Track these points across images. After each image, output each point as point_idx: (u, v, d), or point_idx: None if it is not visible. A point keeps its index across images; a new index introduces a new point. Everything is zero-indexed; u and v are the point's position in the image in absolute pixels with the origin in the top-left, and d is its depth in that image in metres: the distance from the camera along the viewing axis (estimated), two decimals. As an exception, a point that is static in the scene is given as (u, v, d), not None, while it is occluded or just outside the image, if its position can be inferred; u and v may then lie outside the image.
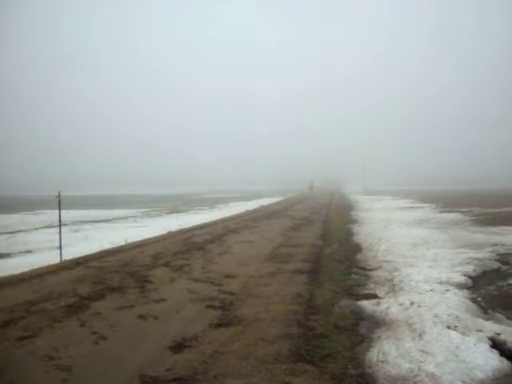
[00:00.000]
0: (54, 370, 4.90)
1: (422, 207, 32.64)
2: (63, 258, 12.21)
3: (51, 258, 12.29)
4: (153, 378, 4.65)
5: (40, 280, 9.34)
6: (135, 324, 6.44)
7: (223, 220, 23.94)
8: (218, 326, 6.30)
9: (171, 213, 36.63)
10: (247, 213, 29.40)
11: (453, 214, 25.00)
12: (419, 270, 10.25)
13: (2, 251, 17.29)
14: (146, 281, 9.06)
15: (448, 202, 35.14)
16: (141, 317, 6.72)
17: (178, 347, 5.50)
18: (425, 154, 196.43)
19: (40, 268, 10.74)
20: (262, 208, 33.69)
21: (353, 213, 28.45)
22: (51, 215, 29.64)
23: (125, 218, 33.03)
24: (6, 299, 7.77)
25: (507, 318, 6.97)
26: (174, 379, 4.59)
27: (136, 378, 4.66)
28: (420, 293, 8.21)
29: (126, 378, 4.66)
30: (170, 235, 17.58)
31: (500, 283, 9.57)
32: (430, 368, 5.01)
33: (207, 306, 7.25)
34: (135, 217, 33.65)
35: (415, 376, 4.87)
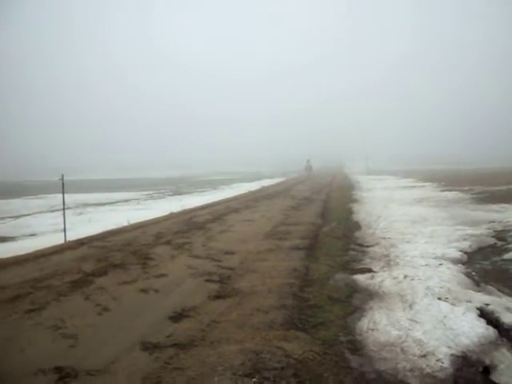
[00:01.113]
0: (62, 337, 5.20)
1: (423, 186, 32.65)
2: (67, 239, 12.46)
3: (55, 241, 12.51)
4: (153, 344, 4.94)
5: (45, 259, 9.60)
6: (137, 297, 6.72)
7: (225, 201, 24.11)
8: (216, 297, 6.57)
9: (174, 195, 36.80)
10: (249, 193, 29.57)
11: (453, 193, 25.05)
12: (416, 246, 10.43)
13: (7, 235, 17.53)
14: (148, 258, 9.32)
15: (449, 180, 35.12)
16: (142, 290, 7.00)
17: (178, 317, 5.79)
18: (427, 134, 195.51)
19: (45, 249, 10.97)
20: (264, 189, 33.84)
21: (354, 192, 28.54)
22: (54, 199, 29.82)
23: (128, 200, 33.21)
24: (13, 277, 8.03)
25: (498, 290, 7.16)
26: (173, 345, 4.88)
27: (137, 344, 4.95)
28: (414, 267, 8.42)
29: (128, 344, 4.95)
30: (171, 216, 17.80)
31: (495, 258, 9.73)
32: (418, 335, 5.26)
33: (206, 280, 7.52)
34: (138, 199, 33.83)
35: (402, 342, 5.13)
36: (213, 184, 52.72)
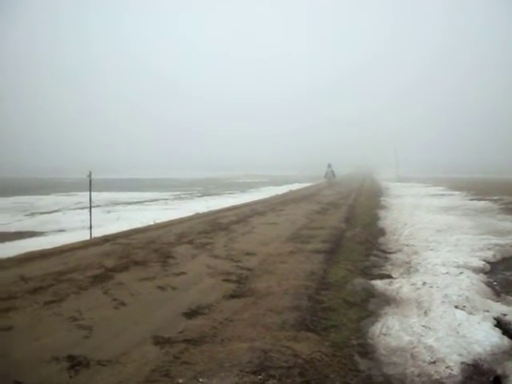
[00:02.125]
0: (77, 328, 5.35)
1: (452, 194, 32.30)
2: (93, 236, 12.69)
3: (82, 237, 12.76)
4: (165, 338, 5.03)
5: (70, 254, 9.83)
6: (154, 293, 6.84)
7: (252, 203, 24.24)
8: (232, 297, 6.64)
9: (202, 196, 37.09)
10: (276, 197, 29.64)
11: (482, 202, 24.72)
12: (438, 253, 10.36)
13: (37, 230, 17.92)
14: (169, 256, 9.45)
15: (480, 189, 34.66)
16: (160, 287, 7.11)
17: (192, 314, 5.87)
18: (458, 142, 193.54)
19: (70, 244, 11.23)
20: (291, 192, 33.90)
21: (382, 198, 28.40)
22: (84, 197, 30.04)
23: (156, 200, 33.56)
24: (37, 270, 8.28)
25: (518, 301, 7.10)
26: (184, 340, 4.96)
27: (149, 338, 5.06)
28: (435, 275, 8.38)
29: (140, 338, 5.06)
30: (197, 216, 17.98)
31: (518, 269, 9.62)
32: (430, 341, 5.25)
33: (224, 280, 7.60)
34: (166, 199, 34.15)
35: (413, 348, 5.13)
36: (242, 186, 52.94)
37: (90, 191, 13.56)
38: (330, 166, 45.64)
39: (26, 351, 4.71)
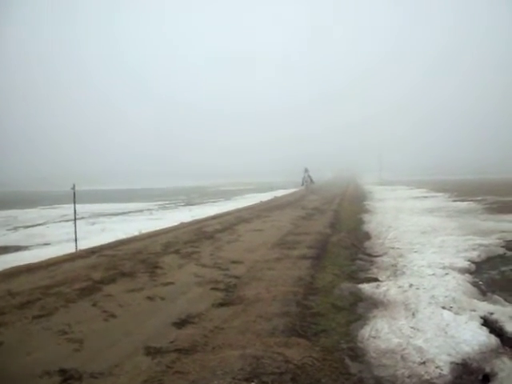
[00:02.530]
0: (67, 342, 5.34)
1: (435, 196, 32.61)
2: (79, 248, 12.64)
3: (68, 250, 12.71)
4: (156, 348, 5.05)
5: (56, 267, 9.77)
6: (143, 304, 6.84)
7: (236, 211, 24.24)
8: (221, 305, 6.66)
9: (186, 205, 37.05)
10: (261, 204, 29.72)
11: (466, 203, 25.01)
12: (424, 255, 10.46)
13: (21, 244, 17.81)
14: (156, 267, 9.43)
15: (462, 191, 35.06)
16: (149, 298, 7.11)
17: (182, 323, 5.89)
18: (441, 145, 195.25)
19: (56, 257, 11.17)
20: (276, 199, 33.99)
21: (365, 202, 28.59)
22: (69, 209, 30.00)
23: (140, 210, 33.47)
24: (24, 284, 8.23)
25: (504, 299, 7.15)
26: (176, 350, 4.98)
27: (141, 348, 5.07)
28: (421, 276, 8.47)
29: (132, 349, 5.07)
30: (182, 226, 17.96)
31: (503, 268, 9.71)
32: (419, 342, 5.32)
33: (212, 288, 7.61)
34: (151, 209, 34.07)
35: (403, 349, 5.19)
36: (226, 194, 52.98)
37: (75, 204, 13.52)
38: (306, 170, 41.73)
39: (17, 366, 4.69)
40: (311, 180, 42.58)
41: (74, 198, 13.38)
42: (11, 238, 17.99)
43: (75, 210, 13.74)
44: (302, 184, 42.45)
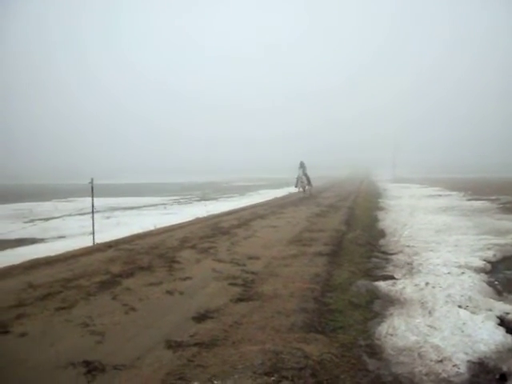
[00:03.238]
0: (90, 334, 5.45)
1: (449, 195, 32.41)
2: (95, 242, 12.75)
3: (84, 243, 12.82)
4: (177, 342, 5.13)
5: (75, 260, 9.89)
6: (162, 298, 6.93)
7: (251, 207, 24.25)
8: (239, 300, 6.74)
9: (200, 200, 37.09)
10: (275, 200, 29.72)
11: (480, 202, 24.85)
12: (439, 254, 10.46)
13: (37, 236, 17.98)
14: (174, 261, 9.53)
15: (476, 190, 34.78)
16: (168, 292, 7.21)
17: (201, 318, 5.97)
18: (454, 142, 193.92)
19: (74, 250, 11.31)
20: (290, 195, 33.94)
21: (380, 200, 28.51)
22: (83, 202, 30.31)
23: (155, 205, 33.59)
24: (44, 276, 8.36)
25: (521, 300, 7.19)
26: (196, 344, 5.06)
27: (162, 342, 5.16)
28: (437, 275, 8.48)
29: (153, 342, 5.15)
30: (197, 221, 18.04)
31: (518, 268, 9.71)
32: (435, 341, 5.36)
33: (230, 284, 7.69)
34: (165, 204, 34.19)
35: (420, 347, 5.23)
36: (241, 190, 52.90)
37: (93, 198, 13.63)
38: (302, 165, 31.58)
39: (42, 357, 4.79)
40: (308, 180, 32.27)
41: (92, 192, 13.50)
42: (27, 231, 18.08)
43: (93, 204, 13.85)
44: (296, 185, 32.33)
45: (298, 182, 32.26)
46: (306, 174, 31.88)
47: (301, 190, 32.30)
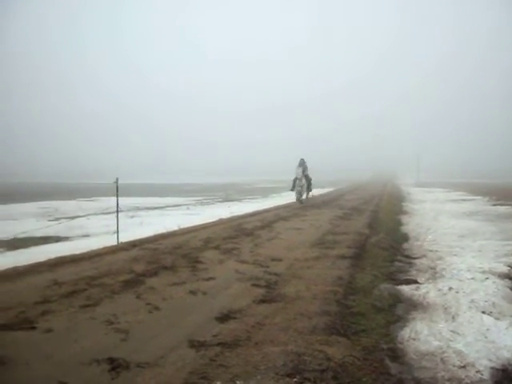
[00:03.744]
0: (114, 332, 5.52)
1: (473, 200, 32.14)
2: (120, 241, 12.88)
3: (108, 242, 12.97)
4: (200, 342, 5.17)
5: (99, 259, 10.03)
6: (186, 298, 6.99)
7: (274, 208, 24.31)
8: (262, 301, 6.76)
9: (223, 201, 37.26)
10: (297, 202, 29.69)
11: (504, 207, 24.53)
12: (463, 259, 10.36)
13: (62, 235, 18.22)
14: (197, 261, 9.61)
15: (501, 194, 34.35)
16: (191, 292, 7.26)
17: (224, 318, 6.01)
18: (479, 147, 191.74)
19: (99, 249, 11.45)
20: (313, 198, 33.93)
21: (404, 204, 28.37)
22: (107, 202, 30.65)
23: (178, 205, 33.82)
24: (70, 274, 8.50)
25: (546, 308, 7.10)
26: (219, 344, 5.10)
27: (185, 341, 5.20)
28: (460, 280, 8.41)
29: (176, 341, 5.20)
30: (221, 222, 18.13)
31: (545, 274, 9.59)
32: (459, 346, 5.32)
33: (253, 285, 7.73)
34: (188, 205, 34.40)
35: (443, 352, 5.20)
36: (263, 192, 53.01)
37: (117, 197, 13.77)
38: (302, 163, 26.54)
39: (67, 353, 4.87)
40: (309, 184, 27.55)
41: (117, 192, 13.64)
42: (52, 229, 18.31)
43: (118, 204, 13.99)
44: (293, 189, 26.89)
45: (295, 184, 26.56)
46: (306, 176, 26.90)
47: (299, 196, 26.68)
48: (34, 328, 5.66)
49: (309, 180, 27.43)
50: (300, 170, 26.22)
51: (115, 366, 4.54)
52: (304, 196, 27.56)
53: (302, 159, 26.74)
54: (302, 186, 26.46)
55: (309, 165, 26.94)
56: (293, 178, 26.86)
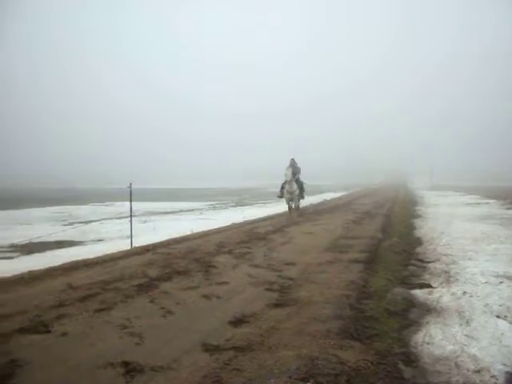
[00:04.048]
0: (128, 335, 5.56)
1: (487, 203, 31.94)
2: (133, 246, 12.97)
3: (121, 246, 13.07)
4: (214, 345, 5.19)
5: (113, 263, 10.12)
6: (199, 302, 7.01)
7: (287, 213, 24.34)
8: (276, 306, 6.77)
9: (236, 206, 37.33)
10: (311, 206, 29.70)
11: (519, 211, 24.49)
12: (477, 263, 10.32)
13: (76, 239, 18.37)
14: (210, 266, 9.64)
15: (517, 198, 34.23)
16: (204, 296, 7.29)
17: (238, 322, 6.03)
18: (492, 150, 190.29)
19: (112, 253, 11.58)
20: (325, 202, 33.92)
21: (417, 208, 28.29)
22: (120, 206, 30.90)
23: (191, 210, 33.98)
24: (83, 278, 8.58)
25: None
26: (232, 347, 5.12)
27: (199, 345, 5.22)
28: (474, 284, 8.38)
29: (190, 345, 5.23)
30: (233, 226, 18.20)
31: (560, 280, 9.53)
32: (473, 351, 5.30)
33: (266, 289, 7.74)
34: (201, 209, 34.55)
35: (457, 357, 5.18)
36: (275, 196, 52.97)
37: (131, 202, 13.87)
38: (292, 165, 22.28)
39: (82, 356, 4.92)
40: (301, 190, 22.88)
41: (131, 197, 13.74)
42: (66, 234, 18.50)
43: (131, 208, 14.09)
44: (281, 195, 23.21)
45: (283, 190, 22.57)
46: (297, 180, 22.61)
47: (286, 201, 22.82)
48: (49, 331, 5.72)
49: (300, 184, 22.85)
50: (289, 171, 21.80)
51: (130, 369, 4.58)
52: (300, 203, 24.05)
53: (293, 159, 22.85)
54: (292, 193, 22.20)
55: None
56: (281, 182, 22.87)
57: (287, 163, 22.43)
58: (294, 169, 22.16)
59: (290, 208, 22.66)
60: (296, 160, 22.90)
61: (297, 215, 22.26)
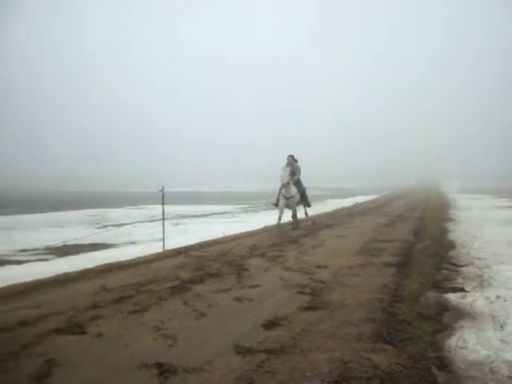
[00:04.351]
0: (162, 337, 5.62)
1: (521, 207, 31.57)
2: (165, 248, 13.10)
3: (153, 249, 13.21)
4: (246, 348, 5.22)
5: (145, 266, 10.22)
6: (232, 305, 7.06)
7: (318, 216, 24.25)
8: (308, 309, 6.77)
9: (268, 209, 37.36)
10: (343, 209, 29.64)
11: (554, 215, 24.10)
12: (510, 267, 10.19)
13: (109, 242, 18.65)
14: (242, 269, 9.68)
15: (552, 201, 33.71)
16: (237, 299, 7.33)
17: (270, 325, 6.05)
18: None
19: (145, 256, 11.69)
20: (357, 205, 33.78)
21: (450, 211, 28.00)
22: (152, 210, 31.22)
23: (223, 213, 34.15)
24: (117, 281, 8.69)
25: None
26: (265, 350, 5.13)
27: (231, 347, 5.26)
28: (508, 288, 8.27)
29: (223, 347, 5.26)
30: (266, 229, 18.20)
31: None
32: (508, 356, 5.24)
33: (298, 292, 7.74)
34: (232, 212, 34.72)
35: (492, 362, 5.13)
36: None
37: (163, 205, 14.02)
38: (290, 163, 17.85)
39: (117, 357, 4.99)
40: (303, 194, 18.66)
41: (163, 200, 13.89)
42: (100, 236, 18.75)
43: (163, 211, 14.24)
44: (277, 202, 18.05)
45: (280, 195, 17.70)
46: (297, 182, 18.08)
47: (279, 211, 17.87)
48: (84, 332, 5.82)
49: (302, 189, 18.42)
50: (287, 172, 17.15)
51: (163, 370, 4.63)
52: (304, 211, 19.73)
53: (291, 156, 18.08)
54: (288, 198, 17.41)
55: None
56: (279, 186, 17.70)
57: (284, 161, 18.02)
58: (293, 168, 17.76)
59: (279, 218, 17.66)
60: (295, 158, 18.28)
61: (296, 225, 18.02)
